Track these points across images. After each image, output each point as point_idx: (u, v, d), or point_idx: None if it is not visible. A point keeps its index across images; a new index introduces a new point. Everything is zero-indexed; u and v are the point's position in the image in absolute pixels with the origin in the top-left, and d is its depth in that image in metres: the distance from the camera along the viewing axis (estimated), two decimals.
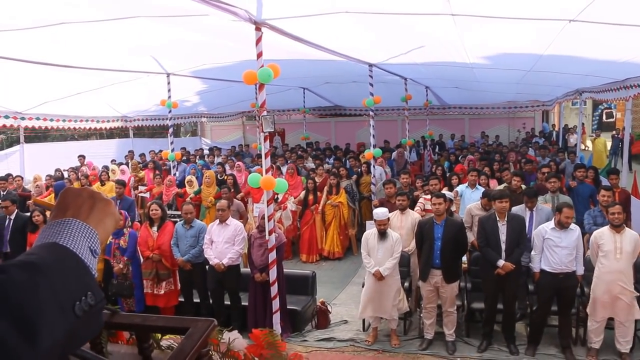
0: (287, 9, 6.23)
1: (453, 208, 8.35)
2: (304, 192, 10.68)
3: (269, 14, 6.10)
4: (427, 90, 15.56)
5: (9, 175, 11.89)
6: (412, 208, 8.19)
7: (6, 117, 12.34)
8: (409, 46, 8.74)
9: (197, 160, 15.32)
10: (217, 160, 14.86)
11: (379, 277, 6.58)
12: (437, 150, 18.56)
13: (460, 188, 9.28)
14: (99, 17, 6.68)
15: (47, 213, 9.15)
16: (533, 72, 10.24)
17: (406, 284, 7.20)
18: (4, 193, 10.76)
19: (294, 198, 10.55)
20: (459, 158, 14.40)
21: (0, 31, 6.88)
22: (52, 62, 8.80)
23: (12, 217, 8.63)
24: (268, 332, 1.82)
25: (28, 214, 8.82)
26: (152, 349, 1.58)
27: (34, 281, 0.74)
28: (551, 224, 6.45)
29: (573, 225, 6.39)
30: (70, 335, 0.78)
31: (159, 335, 1.65)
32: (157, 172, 12.43)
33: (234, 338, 1.72)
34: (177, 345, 1.62)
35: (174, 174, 12.13)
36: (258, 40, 6.13)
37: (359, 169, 12.37)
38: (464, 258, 7.34)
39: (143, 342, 1.58)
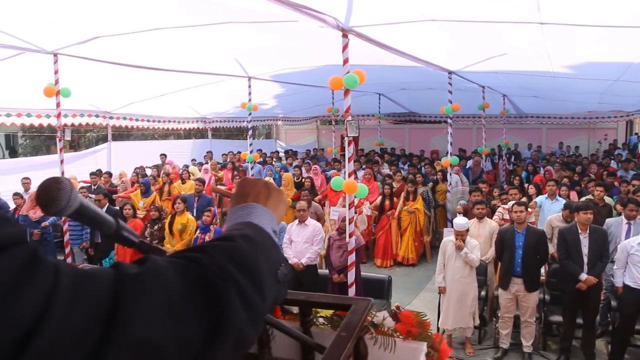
0: (374, 17, 6.33)
1: (532, 219, 8.23)
2: (380, 198, 10.77)
3: (357, 21, 6.22)
4: (504, 99, 15.31)
5: (99, 170, 12.57)
6: (490, 217, 8.14)
7: (97, 116, 13.12)
8: (490, 53, 8.68)
9: (273, 162, 15.66)
10: (294, 163, 15.15)
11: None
12: (512, 160, 18.19)
13: (539, 199, 9.11)
14: (194, 23, 7.01)
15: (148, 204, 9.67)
16: (620, 81, 9.93)
17: (483, 293, 7.16)
18: (95, 187, 11.40)
19: (370, 203, 10.65)
20: (537, 168, 14.10)
21: (102, 37, 7.37)
22: (142, 65, 9.27)
23: (104, 210, 9.14)
24: (417, 313, 1.96)
25: (117, 207, 9.33)
26: (311, 324, 1.76)
27: (254, 249, 0.88)
28: (638, 238, 6.27)
29: None
30: (275, 298, 0.91)
31: (316, 312, 1.83)
32: (235, 172, 12.81)
33: (384, 317, 1.86)
34: (327, 325, 1.80)
35: (252, 175, 12.47)
36: (345, 47, 6.25)
37: (434, 176, 12.34)
38: (542, 270, 7.23)
39: (305, 316, 1.76)
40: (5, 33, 6.79)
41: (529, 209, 8.39)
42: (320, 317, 1.82)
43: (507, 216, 7.88)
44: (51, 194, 0.87)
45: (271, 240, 0.98)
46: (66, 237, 8.50)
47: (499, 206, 8.69)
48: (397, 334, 1.80)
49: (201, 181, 10.90)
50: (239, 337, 0.77)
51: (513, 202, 7.55)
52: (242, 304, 0.77)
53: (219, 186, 11.89)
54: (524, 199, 9.17)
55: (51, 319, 0.56)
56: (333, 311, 1.79)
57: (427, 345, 1.84)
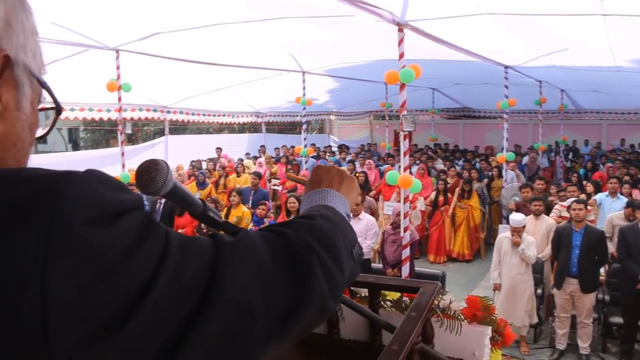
0: (431, 11, 6.30)
1: (591, 217, 8.03)
2: (434, 193, 10.71)
3: (413, 15, 6.20)
4: (562, 94, 14.90)
5: None
6: (547, 214, 7.98)
7: (155, 110, 13.47)
8: (549, 49, 8.49)
9: (326, 157, 15.73)
10: (348, 158, 15.17)
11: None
12: (570, 156, 17.70)
13: (599, 197, 8.86)
14: (251, 18, 7.14)
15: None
16: None
17: (539, 291, 7.04)
18: None
19: (424, 198, 10.59)
20: (596, 165, 13.70)
21: (161, 33, 7.58)
22: (199, 60, 9.48)
23: (162, 201, 9.38)
24: (483, 297, 2.00)
25: None
26: (379, 306, 1.83)
27: (333, 228, 0.93)
28: None
29: None
30: (350, 275, 0.96)
31: (384, 294, 1.90)
32: (289, 166, 12.96)
33: (451, 300, 1.91)
34: (392, 309, 1.86)
35: (306, 169, 12.58)
36: (400, 41, 6.24)
37: (490, 172, 12.17)
38: (602, 269, 7.05)
39: (374, 298, 1.83)
40: (72, 31, 7.08)
41: (588, 207, 8.20)
42: (388, 300, 1.88)
43: (564, 213, 7.71)
44: (150, 174, 0.94)
45: (346, 222, 1.03)
46: None
47: (556, 203, 8.50)
48: (463, 317, 1.84)
49: (257, 175, 11.06)
50: (320, 306, 0.83)
51: (572, 199, 7.38)
52: (325, 275, 0.82)
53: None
54: (582, 196, 8.97)
55: (162, 280, 0.61)
56: (400, 294, 1.85)
57: (492, 330, 1.87)
